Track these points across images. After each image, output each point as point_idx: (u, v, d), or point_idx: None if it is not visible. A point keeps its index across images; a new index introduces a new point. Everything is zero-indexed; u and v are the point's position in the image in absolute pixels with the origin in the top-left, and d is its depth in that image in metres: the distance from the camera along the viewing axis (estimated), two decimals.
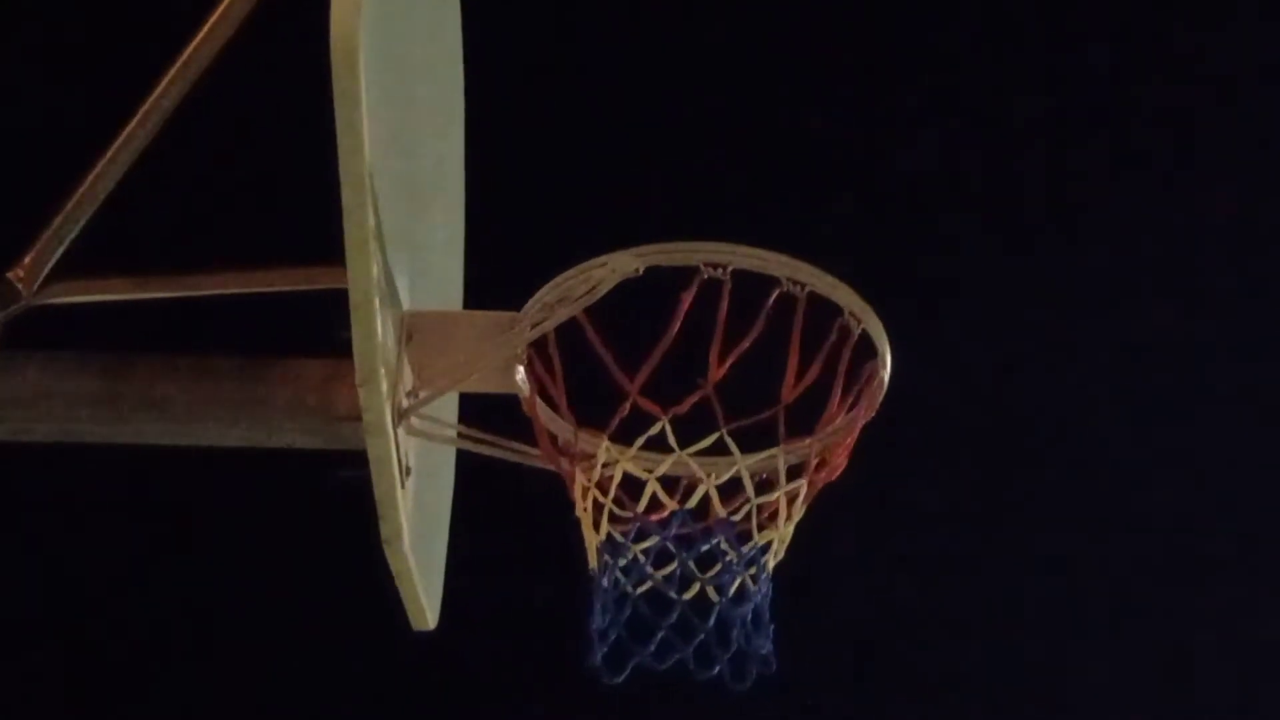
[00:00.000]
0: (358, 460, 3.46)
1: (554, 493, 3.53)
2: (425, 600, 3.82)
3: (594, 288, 3.44)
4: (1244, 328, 6.33)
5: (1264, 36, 6.28)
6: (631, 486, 3.42)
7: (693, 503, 3.42)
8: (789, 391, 3.38)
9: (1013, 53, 6.27)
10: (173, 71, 3.74)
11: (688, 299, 3.38)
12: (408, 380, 3.56)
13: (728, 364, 3.36)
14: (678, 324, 3.36)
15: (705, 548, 3.39)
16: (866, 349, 3.50)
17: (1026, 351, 6.31)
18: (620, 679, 3.34)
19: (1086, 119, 6.33)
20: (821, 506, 3.49)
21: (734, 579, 3.38)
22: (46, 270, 3.75)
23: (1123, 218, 6.32)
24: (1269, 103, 6.30)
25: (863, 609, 6.13)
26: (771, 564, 3.43)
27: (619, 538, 3.40)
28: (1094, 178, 6.34)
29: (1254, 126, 6.31)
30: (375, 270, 3.32)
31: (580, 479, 3.43)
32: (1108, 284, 6.35)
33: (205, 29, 3.75)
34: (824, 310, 3.46)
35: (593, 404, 3.47)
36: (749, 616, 3.37)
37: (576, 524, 3.47)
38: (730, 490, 3.43)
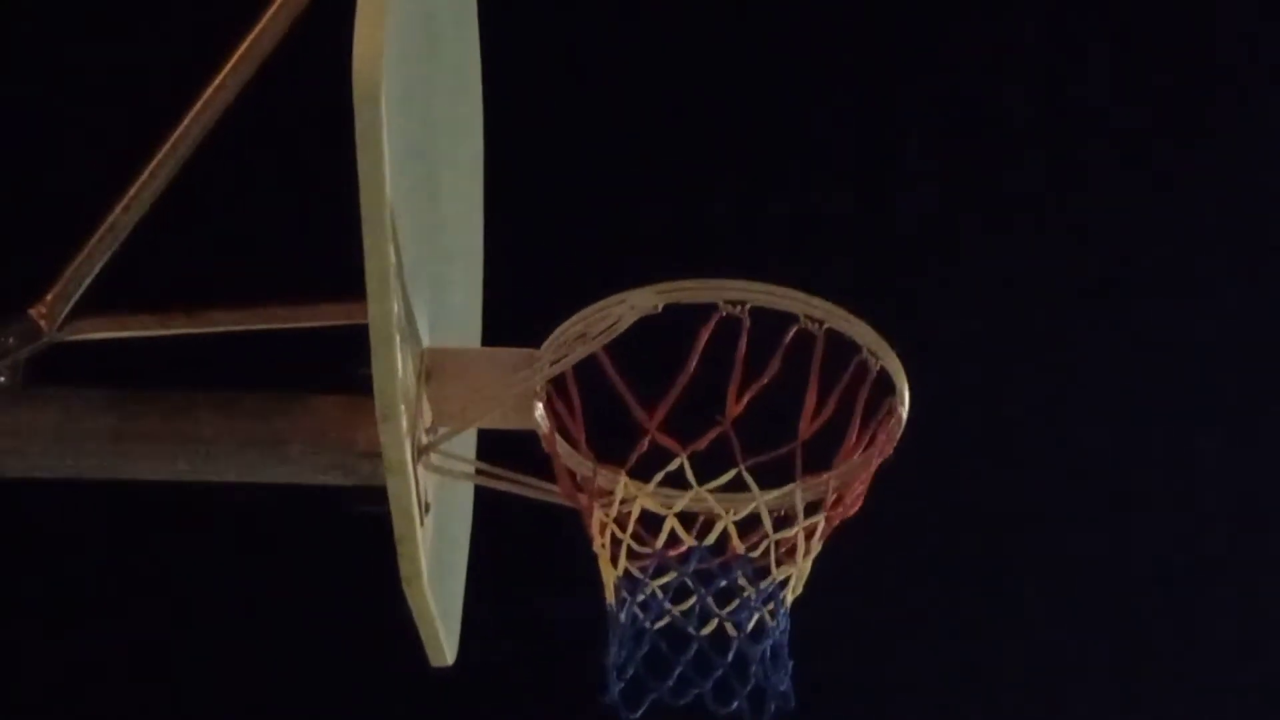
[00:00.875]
0: (377, 496, 3.48)
1: (573, 528, 3.54)
2: (444, 636, 3.82)
3: (613, 325, 3.45)
4: (1244, 328, 6.34)
5: (1267, 36, 6.30)
6: (650, 522, 3.43)
7: (711, 539, 3.42)
8: (806, 428, 3.39)
9: (1012, 54, 6.31)
10: (195, 109, 3.76)
11: (706, 336, 3.39)
12: (427, 417, 3.57)
13: (745, 400, 3.37)
14: (696, 360, 3.38)
15: (723, 583, 3.40)
16: (885, 386, 3.51)
17: (1026, 353, 6.32)
18: (638, 714, 3.35)
19: (1086, 119, 6.36)
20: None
21: (752, 615, 3.38)
22: (69, 307, 3.77)
23: (1123, 219, 6.33)
24: (1271, 103, 6.32)
25: (864, 613, 6.11)
26: (790, 599, 3.44)
27: (637, 574, 3.40)
28: (1094, 179, 6.36)
29: (1257, 126, 6.33)
30: (396, 308, 3.33)
31: (598, 515, 3.43)
32: (1108, 285, 6.36)
33: (228, 66, 3.77)
34: (842, 347, 3.47)
35: (611, 440, 3.48)
36: (767, 652, 3.38)
37: (595, 559, 3.48)
38: (748, 526, 3.43)
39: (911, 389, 3.52)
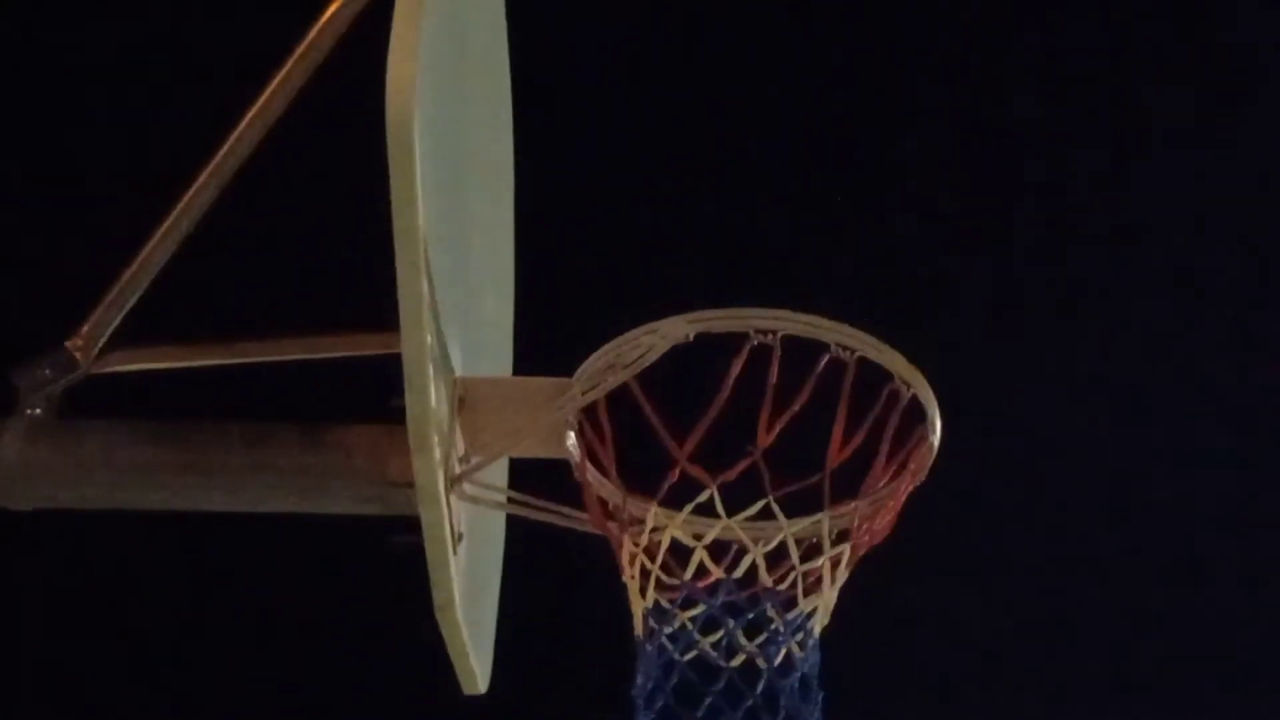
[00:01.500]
0: (410, 526, 3.49)
1: (603, 558, 3.54)
2: (476, 665, 3.84)
3: (644, 354, 3.46)
4: (1244, 328, 6.33)
5: (1268, 36, 6.30)
6: (679, 553, 3.43)
7: (740, 571, 3.42)
8: (835, 457, 3.39)
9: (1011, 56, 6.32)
10: (229, 142, 3.79)
11: (737, 365, 3.40)
12: (460, 446, 3.58)
13: (777, 430, 3.37)
14: (728, 390, 3.38)
15: (752, 615, 3.40)
16: (915, 414, 3.51)
17: (1026, 355, 6.31)
18: None
19: (1086, 120, 6.36)
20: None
21: (781, 647, 3.38)
22: (104, 339, 3.80)
23: (1123, 220, 6.33)
24: (1271, 103, 6.32)
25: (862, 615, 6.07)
26: (818, 630, 3.44)
27: (666, 605, 3.41)
28: (1094, 180, 6.37)
29: (1258, 127, 6.33)
30: (429, 338, 3.35)
31: (628, 545, 3.44)
32: (1109, 286, 6.36)
33: (262, 99, 3.80)
34: (873, 375, 3.48)
35: (642, 469, 3.49)
36: (796, 684, 3.37)
37: (624, 589, 3.48)
38: (776, 556, 3.43)
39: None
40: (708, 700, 3.32)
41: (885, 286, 6.17)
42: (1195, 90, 6.29)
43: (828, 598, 3.44)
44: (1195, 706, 6.33)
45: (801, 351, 3.44)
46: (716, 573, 3.41)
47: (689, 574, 3.41)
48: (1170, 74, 6.27)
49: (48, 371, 3.77)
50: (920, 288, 6.24)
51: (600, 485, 3.52)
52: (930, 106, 6.35)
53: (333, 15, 3.78)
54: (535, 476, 3.73)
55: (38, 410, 3.75)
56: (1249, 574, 6.37)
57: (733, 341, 3.43)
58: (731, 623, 3.38)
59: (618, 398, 3.47)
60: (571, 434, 3.56)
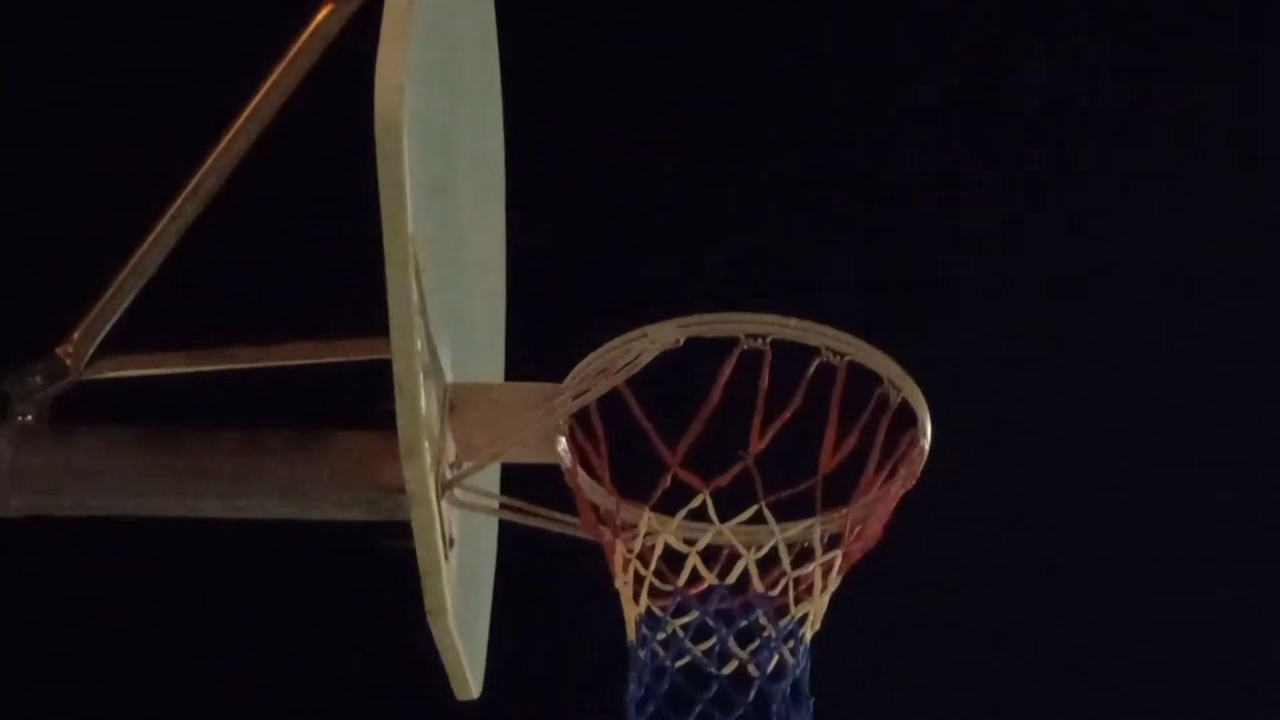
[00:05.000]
0: (401, 531, 3.49)
1: (595, 564, 3.54)
2: (468, 670, 3.84)
3: (635, 359, 3.46)
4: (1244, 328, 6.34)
5: (1268, 34, 6.31)
6: (671, 559, 3.43)
7: (732, 578, 3.42)
8: (827, 462, 3.39)
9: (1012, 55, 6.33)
10: (220, 147, 3.79)
11: (728, 370, 3.39)
12: (451, 452, 3.58)
13: (769, 436, 3.36)
14: (718, 395, 3.38)
15: (744, 623, 3.40)
16: (906, 418, 3.51)
17: (1027, 352, 6.31)
18: None
19: (1086, 119, 6.36)
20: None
21: (772, 654, 3.38)
22: (95, 345, 3.80)
23: (1123, 218, 6.33)
24: (1270, 102, 6.33)
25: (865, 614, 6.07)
26: (809, 636, 3.43)
27: (658, 612, 3.40)
28: (1095, 180, 6.37)
29: (1257, 125, 6.33)
30: (419, 344, 3.35)
31: (621, 550, 3.44)
32: (1108, 284, 6.36)
33: (252, 104, 3.80)
34: (864, 379, 3.47)
35: (635, 473, 3.49)
36: (788, 691, 3.37)
37: (616, 594, 3.48)
38: (768, 563, 3.43)
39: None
40: (699, 707, 3.33)
41: (886, 287, 6.17)
42: (1196, 90, 6.29)
43: (819, 604, 3.44)
44: (1195, 706, 6.33)
45: (793, 356, 3.44)
46: (709, 578, 3.41)
47: (682, 580, 3.41)
48: (1171, 74, 6.27)
49: (38, 378, 3.76)
50: (920, 288, 6.24)
51: (592, 490, 3.51)
52: (930, 105, 6.35)
53: (324, 18, 3.78)
54: (527, 482, 3.73)
55: (28, 417, 3.75)
56: (1250, 574, 6.37)
57: (723, 346, 3.43)
58: (724, 630, 3.37)
59: (609, 403, 3.47)
60: (563, 439, 3.56)
